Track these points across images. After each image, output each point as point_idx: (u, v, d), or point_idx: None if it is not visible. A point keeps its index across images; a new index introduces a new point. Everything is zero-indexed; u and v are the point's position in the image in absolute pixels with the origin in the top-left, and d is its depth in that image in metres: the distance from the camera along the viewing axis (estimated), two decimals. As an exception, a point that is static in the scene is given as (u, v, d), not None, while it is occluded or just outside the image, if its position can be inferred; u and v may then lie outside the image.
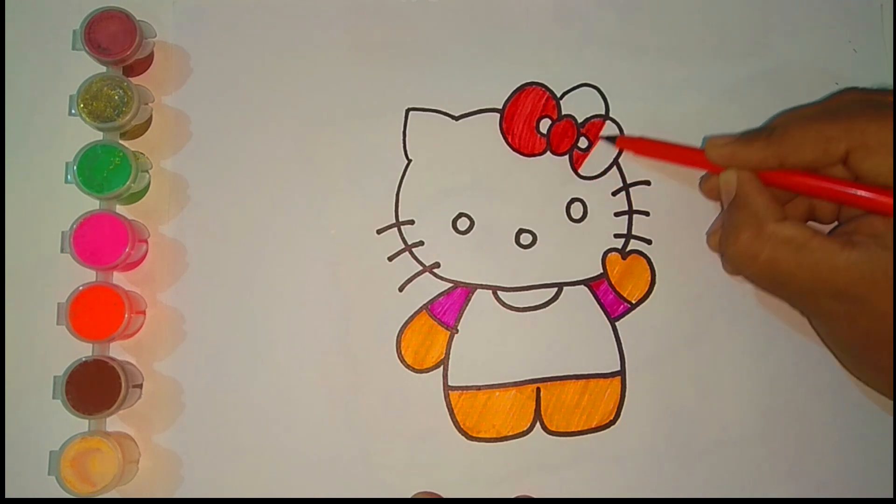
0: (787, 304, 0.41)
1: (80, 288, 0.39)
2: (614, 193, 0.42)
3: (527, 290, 0.41)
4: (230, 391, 0.40)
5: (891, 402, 0.40)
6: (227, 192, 0.42)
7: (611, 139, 0.42)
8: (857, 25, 0.44)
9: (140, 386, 0.40)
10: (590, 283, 0.41)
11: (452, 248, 0.41)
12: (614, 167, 0.42)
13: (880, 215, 0.35)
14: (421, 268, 0.41)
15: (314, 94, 0.42)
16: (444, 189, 0.42)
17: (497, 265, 0.41)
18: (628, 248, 0.42)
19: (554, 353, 0.41)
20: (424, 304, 0.41)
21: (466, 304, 0.41)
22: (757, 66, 0.43)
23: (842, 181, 0.36)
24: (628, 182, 0.42)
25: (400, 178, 0.42)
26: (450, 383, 0.40)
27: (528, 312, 0.41)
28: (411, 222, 0.42)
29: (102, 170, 0.40)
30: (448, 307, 0.41)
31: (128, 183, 0.40)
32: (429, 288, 0.41)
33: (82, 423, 0.39)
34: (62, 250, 0.39)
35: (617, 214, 0.42)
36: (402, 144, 0.42)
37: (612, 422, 0.40)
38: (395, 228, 0.41)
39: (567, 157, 0.42)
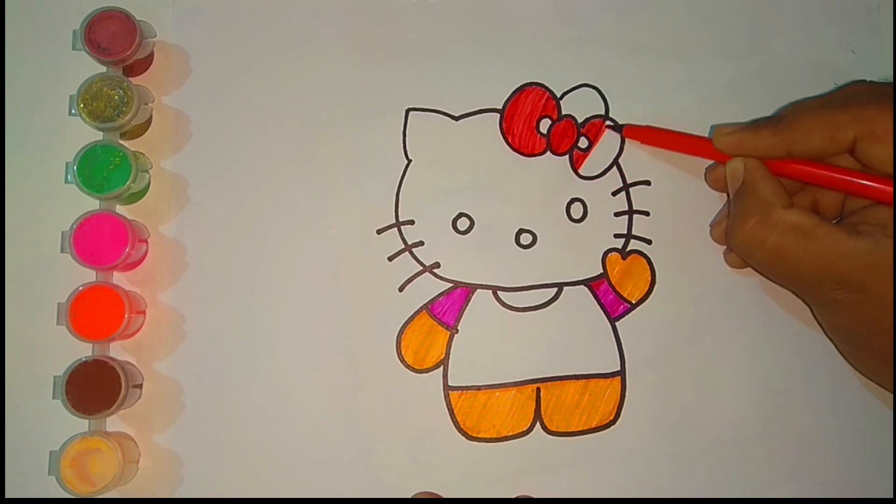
0: (787, 304, 0.41)
1: (80, 288, 0.39)
2: (614, 193, 0.42)
3: (527, 290, 0.41)
4: (230, 391, 0.40)
5: (891, 396, 0.40)
6: (227, 192, 0.42)
7: (617, 128, 0.42)
8: (856, 26, 0.44)
9: (140, 386, 0.40)
10: (590, 283, 0.41)
11: (452, 248, 0.41)
12: (614, 167, 0.42)
13: (884, 204, 0.35)
14: (421, 268, 0.41)
15: (314, 94, 0.42)
16: (444, 189, 0.42)
17: (497, 265, 0.41)
18: (628, 248, 0.42)
19: (554, 353, 0.41)
20: (424, 304, 0.41)
21: (466, 304, 0.41)
22: (756, 66, 0.43)
23: (847, 170, 0.36)
24: (628, 182, 0.42)
25: (400, 178, 0.42)
26: (450, 383, 0.40)
27: (528, 312, 0.41)
28: (411, 222, 0.42)
29: (102, 170, 0.40)
30: (448, 307, 0.41)
31: (128, 183, 0.40)
32: (429, 288, 0.41)
33: (82, 423, 0.39)
34: (62, 250, 0.39)
35: (617, 214, 0.42)
36: (402, 144, 0.42)
37: (612, 422, 0.40)
38: (395, 228, 0.42)
39: (567, 157, 0.42)
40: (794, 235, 0.35)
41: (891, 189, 0.35)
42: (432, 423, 0.40)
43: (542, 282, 0.41)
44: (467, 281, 0.41)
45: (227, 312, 0.41)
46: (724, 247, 0.41)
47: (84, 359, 0.39)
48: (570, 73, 0.43)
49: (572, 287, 0.41)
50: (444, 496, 0.39)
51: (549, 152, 0.42)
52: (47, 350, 0.40)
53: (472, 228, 0.42)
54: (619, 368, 0.41)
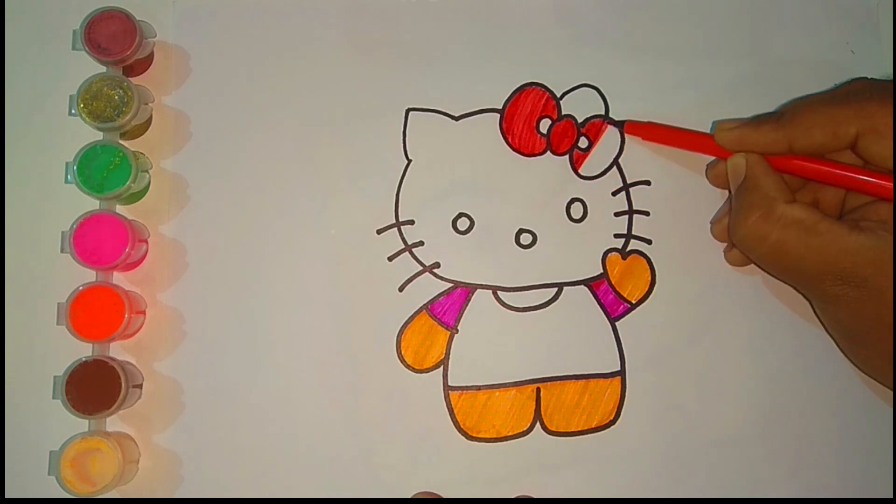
0: (787, 304, 0.41)
1: (80, 288, 0.39)
2: (614, 193, 0.42)
3: (527, 290, 0.41)
4: (230, 391, 0.40)
5: (891, 395, 0.40)
6: (227, 192, 0.42)
7: (619, 124, 0.42)
8: (856, 26, 0.44)
9: (140, 386, 0.40)
10: (590, 283, 0.41)
11: (452, 248, 0.41)
12: (614, 167, 0.42)
13: (885, 201, 0.36)
14: (421, 268, 0.41)
15: (314, 94, 0.42)
16: (444, 189, 0.42)
17: (497, 265, 0.41)
18: (628, 248, 0.42)
19: (554, 353, 0.41)
20: (424, 304, 0.41)
21: (466, 304, 0.41)
22: (755, 66, 0.43)
23: (848, 166, 0.36)
24: (628, 182, 0.42)
25: (400, 178, 0.42)
26: (450, 383, 0.40)
27: (528, 312, 0.41)
28: (411, 222, 0.42)
29: (102, 170, 0.40)
30: (448, 307, 0.41)
31: (128, 183, 0.40)
32: (429, 288, 0.41)
33: (82, 423, 0.39)
34: (62, 250, 0.39)
35: (617, 214, 0.42)
36: (402, 144, 0.42)
37: (612, 422, 0.40)
38: (395, 228, 0.42)
39: (567, 157, 0.42)
40: (796, 231, 0.35)
41: (892, 185, 0.35)
42: (432, 423, 0.40)
43: (542, 282, 0.41)
44: (467, 281, 0.41)
45: (227, 312, 0.41)
46: (724, 247, 0.41)
47: (84, 359, 0.39)
48: (570, 73, 0.43)
49: (572, 287, 0.41)
50: (444, 496, 0.39)
51: (549, 152, 0.42)
52: (47, 350, 0.40)
53: (472, 228, 0.42)
54: (619, 368, 0.41)
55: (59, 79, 0.42)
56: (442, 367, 0.40)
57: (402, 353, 0.41)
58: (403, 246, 0.41)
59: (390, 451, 0.40)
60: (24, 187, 0.42)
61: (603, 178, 0.42)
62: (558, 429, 0.40)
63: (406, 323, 0.41)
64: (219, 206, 0.42)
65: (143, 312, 0.41)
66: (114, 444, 0.38)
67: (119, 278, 0.41)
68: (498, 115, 0.42)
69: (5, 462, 0.39)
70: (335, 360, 0.40)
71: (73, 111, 0.40)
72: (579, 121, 0.42)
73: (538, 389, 0.40)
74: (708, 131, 0.41)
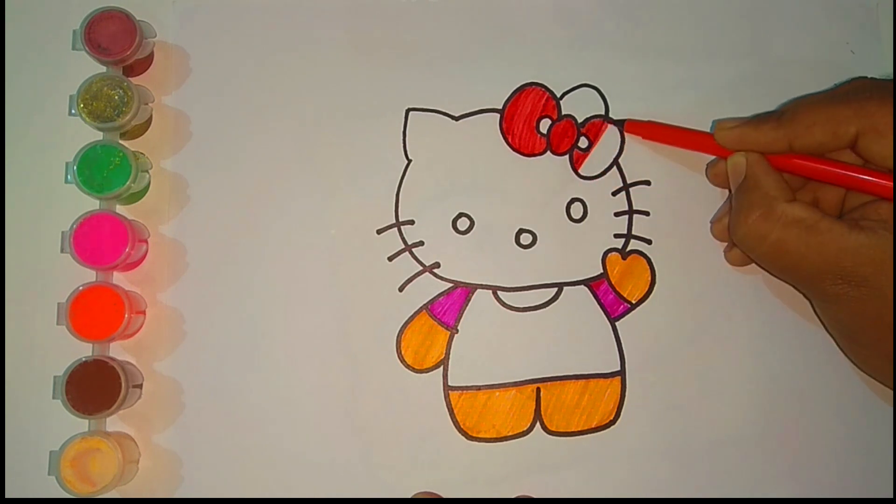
0: (787, 304, 0.41)
1: (80, 288, 0.39)
2: (614, 193, 0.42)
3: (527, 290, 0.41)
4: (230, 391, 0.40)
5: (891, 395, 0.40)
6: (227, 192, 0.42)
7: (619, 124, 0.42)
8: (855, 26, 0.44)
9: (140, 386, 0.40)
10: (590, 283, 0.41)
11: (452, 248, 0.41)
12: (614, 167, 0.42)
13: (885, 200, 0.36)
14: (421, 268, 0.41)
15: (314, 94, 0.42)
16: (444, 189, 0.42)
17: (497, 265, 0.41)
18: (628, 248, 0.42)
19: (554, 353, 0.41)
20: (424, 304, 0.41)
21: (466, 304, 0.41)
22: (755, 66, 0.43)
23: (849, 165, 0.36)
24: (628, 182, 0.42)
25: (400, 178, 0.42)
26: (450, 383, 0.40)
27: (528, 312, 0.41)
28: (411, 222, 0.42)
29: (102, 170, 0.40)
30: (448, 307, 0.41)
31: (128, 183, 0.40)
32: (429, 288, 0.41)
33: (82, 423, 0.39)
34: (62, 250, 0.39)
35: (617, 214, 0.42)
36: (402, 144, 0.42)
37: (612, 422, 0.40)
38: (395, 228, 0.42)
39: (567, 157, 0.42)
40: (796, 229, 0.35)
41: (892, 184, 0.35)
42: (432, 423, 0.40)
43: (542, 282, 0.41)
44: (467, 281, 0.41)
45: (227, 312, 0.41)
46: (724, 246, 0.41)
47: (84, 359, 0.39)
48: (570, 73, 0.43)
49: (572, 287, 0.41)
50: (444, 496, 0.39)
51: (549, 152, 0.42)
52: (47, 350, 0.40)
53: (472, 228, 0.42)
54: (619, 368, 0.41)
55: (59, 79, 0.42)
56: (442, 367, 0.40)
57: (402, 353, 0.41)
58: (403, 246, 0.41)
59: (390, 451, 0.40)
60: (24, 187, 0.42)
61: (603, 178, 0.42)
62: (558, 429, 0.40)
63: (406, 323, 0.41)
64: (219, 206, 0.42)
65: (143, 312, 0.41)
66: (114, 444, 0.38)
67: (119, 278, 0.41)
68: (498, 115, 0.42)
69: (5, 462, 0.39)
70: (335, 360, 0.40)
71: (73, 111, 0.40)
72: (579, 121, 0.42)
73: (538, 389, 0.40)
74: (710, 129, 0.41)
